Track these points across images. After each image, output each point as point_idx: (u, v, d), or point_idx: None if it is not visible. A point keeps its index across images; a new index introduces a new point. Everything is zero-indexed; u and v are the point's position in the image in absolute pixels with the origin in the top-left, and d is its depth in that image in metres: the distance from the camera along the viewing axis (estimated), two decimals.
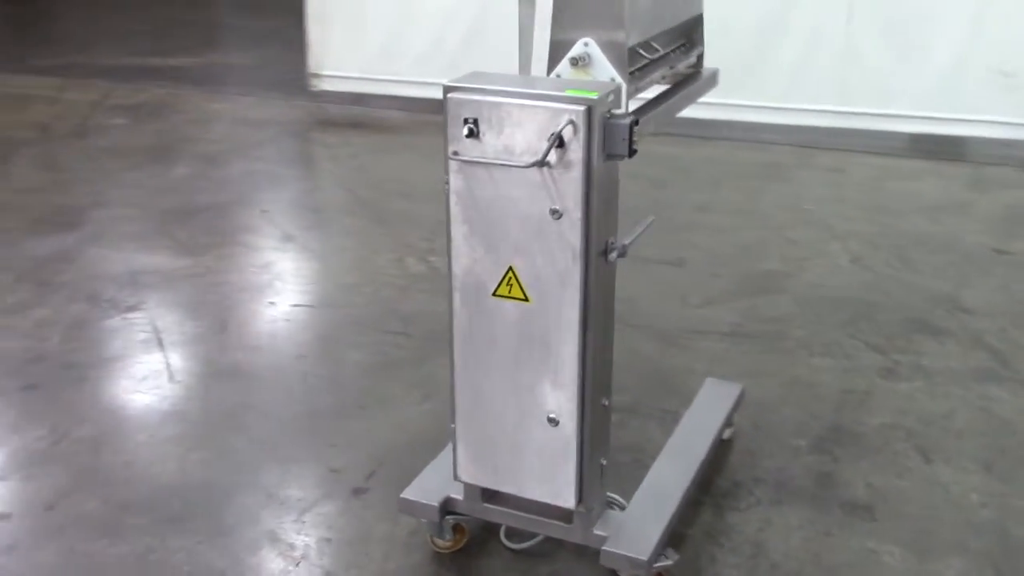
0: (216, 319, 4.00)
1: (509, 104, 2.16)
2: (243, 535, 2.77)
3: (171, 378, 3.57)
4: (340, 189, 5.74)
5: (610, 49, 2.40)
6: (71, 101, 7.30)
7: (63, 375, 3.58)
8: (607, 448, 2.51)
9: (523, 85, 2.20)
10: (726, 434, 3.14)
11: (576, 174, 2.15)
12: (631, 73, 2.45)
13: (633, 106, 2.38)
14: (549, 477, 2.43)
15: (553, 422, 2.37)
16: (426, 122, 6.27)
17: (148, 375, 3.59)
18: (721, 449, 3.10)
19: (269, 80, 7.88)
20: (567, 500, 2.43)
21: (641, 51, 2.51)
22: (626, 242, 2.32)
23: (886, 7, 6.10)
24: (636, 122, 2.18)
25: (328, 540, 2.77)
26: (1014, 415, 3.33)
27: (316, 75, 7.30)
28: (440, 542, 2.70)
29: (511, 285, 2.31)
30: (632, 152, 2.18)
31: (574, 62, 2.44)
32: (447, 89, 2.23)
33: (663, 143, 5.66)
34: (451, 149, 2.23)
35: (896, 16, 6.08)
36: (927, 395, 3.45)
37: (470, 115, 2.20)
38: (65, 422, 3.30)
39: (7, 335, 3.87)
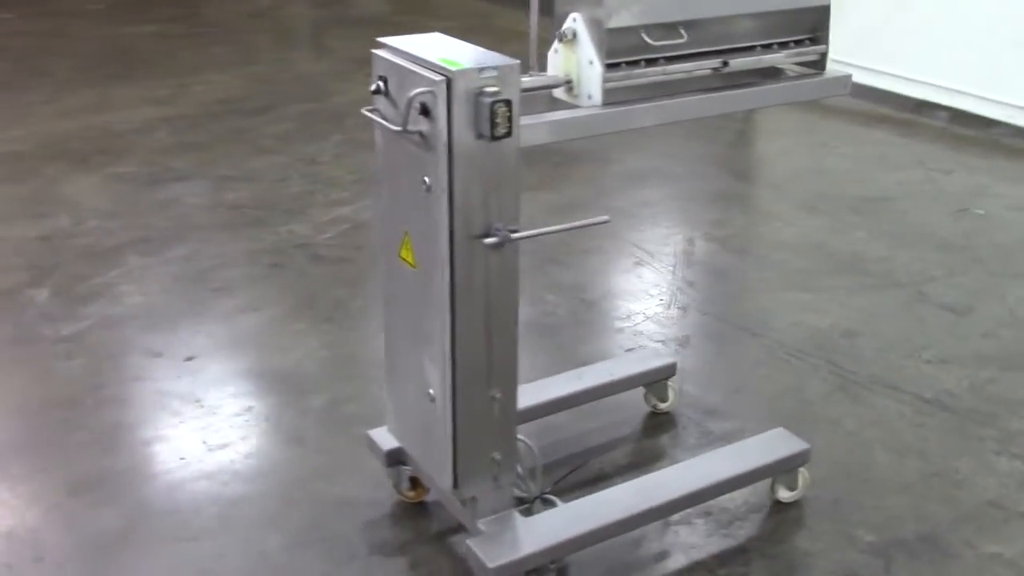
0: None
1: (402, 66, 2.13)
2: None
3: None
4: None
5: (593, 27, 2.23)
6: None
7: None
8: (505, 443, 2.37)
9: (430, 51, 2.14)
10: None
11: (441, 148, 2.06)
12: (632, 60, 2.26)
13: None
14: (433, 454, 2.39)
15: (431, 398, 2.32)
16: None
17: None
18: None
19: None
20: (445, 481, 2.37)
21: (646, 37, 2.27)
22: (517, 231, 2.16)
23: None
24: (506, 103, 2.02)
25: None
26: None
27: None
28: (403, 490, 2.76)
29: (406, 249, 2.29)
30: (497, 135, 2.03)
31: (560, 36, 2.31)
32: (378, 45, 2.25)
33: None
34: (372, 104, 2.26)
35: None
36: None
37: (382, 72, 2.20)
38: None
39: None
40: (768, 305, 3.91)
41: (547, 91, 2.37)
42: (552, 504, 2.59)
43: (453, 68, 2.01)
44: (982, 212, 4.74)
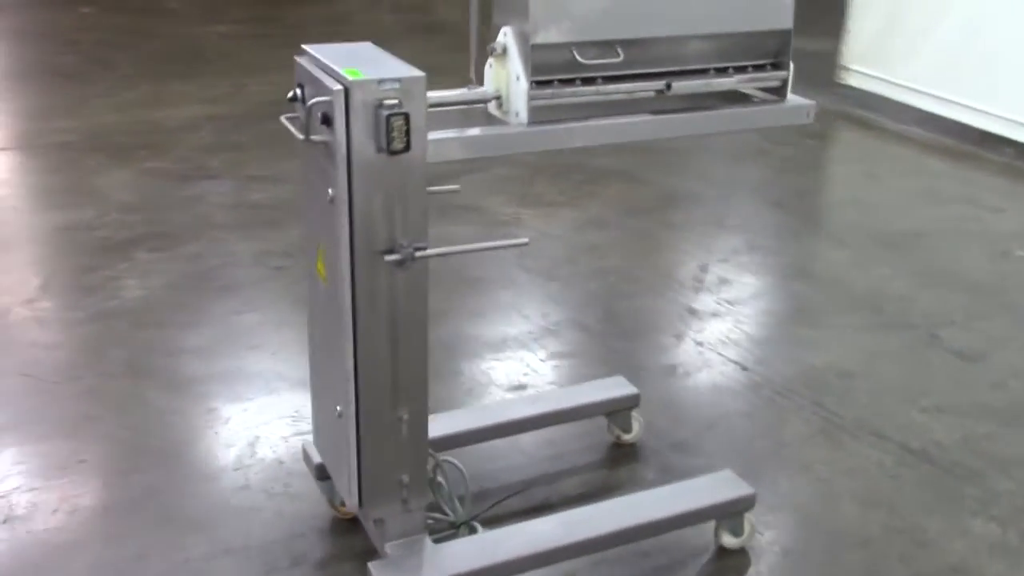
0: None
1: (313, 74, 2.09)
2: None
3: None
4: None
5: (520, 42, 2.16)
6: None
7: None
8: (413, 465, 2.30)
9: (343, 61, 2.08)
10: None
11: (340, 159, 2.01)
12: (565, 78, 2.18)
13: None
14: (341, 471, 2.33)
15: (339, 415, 2.27)
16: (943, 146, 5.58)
17: None
18: None
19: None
20: (351, 500, 2.31)
21: (577, 55, 2.18)
22: (424, 248, 2.09)
23: None
24: (404, 116, 1.95)
25: None
26: None
27: (845, 68, 6.89)
28: (335, 504, 2.71)
29: (320, 262, 2.24)
30: (394, 149, 1.97)
31: (491, 51, 2.24)
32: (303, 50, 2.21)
33: None
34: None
35: None
36: None
37: (300, 80, 2.17)
38: None
39: None
40: (766, 339, 3.75)
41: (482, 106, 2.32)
42: (474, 531, 2.51)
43: (351, 78, 1.96)
44: None
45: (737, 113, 2.39)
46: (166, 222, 4.57)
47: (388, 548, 2.34)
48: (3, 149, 5.64)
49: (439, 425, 2.82)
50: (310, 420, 2.61)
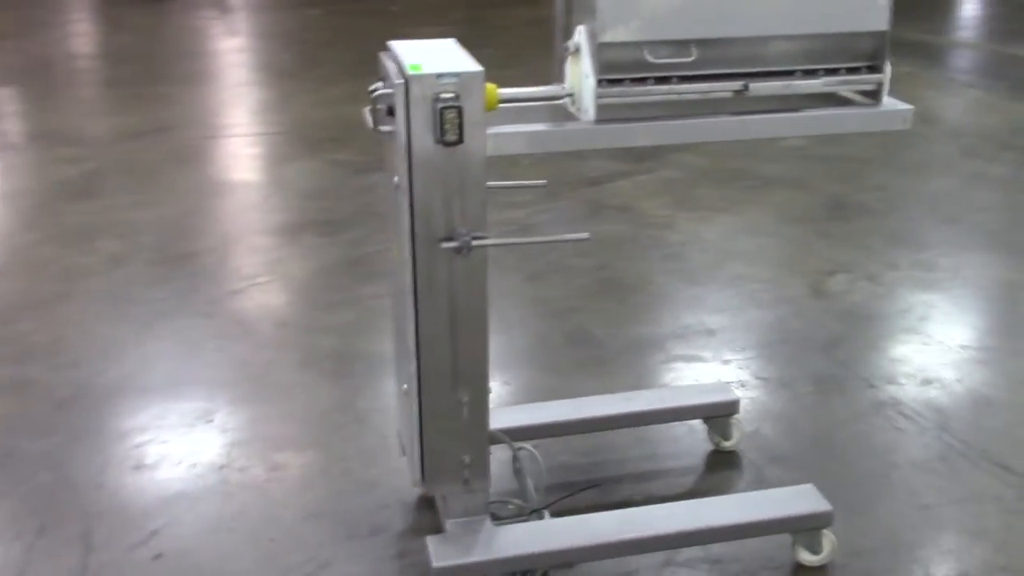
0: None
1: (388, 69, 2.20)
2: None
3: None
4: None
5: (591, 40, 2.21)
6: None
7: None
8: (475, 447, 2.38)
9: (415, 57, 2.18)
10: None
11: (401, 149, 2.12)
12: (638, 77, 2.21)
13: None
14: (410, 447, 2.44)
15: (404, 392, 2.38)
16: None
17: None
18: None
19: None
20: (414, 475, 2.42)
21: (648, 54, 2.20)
22: (484, 238, 2.17)
23: None
24: (457, 110, 2.04)
25: None
26: None
27: None
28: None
29: (396, 246, 2.36)
30: (447, 140, 2.06)
31: (566, 50, 2.29)
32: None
33: None
34: None
35: None
36: None
37: (382, 74, 2.29)
38: None
39: None
40: (897, 355, 3.57)
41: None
42: (540, 518, 2.57)
43: (412, 72, 2.07)
44: None
45: (821, 116, 2.33)
46: (336, 209, 4.85)
47: (448, 525, 2.44)
48: (208, 137, 6.15)
49: (529, 414, 2.91)
50: None
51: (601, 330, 3.74)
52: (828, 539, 2.54)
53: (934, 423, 3.15)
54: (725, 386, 2.99)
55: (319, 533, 2.69)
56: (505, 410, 2.96)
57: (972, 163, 5.51)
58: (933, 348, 3.60)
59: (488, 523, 2.45)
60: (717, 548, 2.60)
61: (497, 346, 3.46)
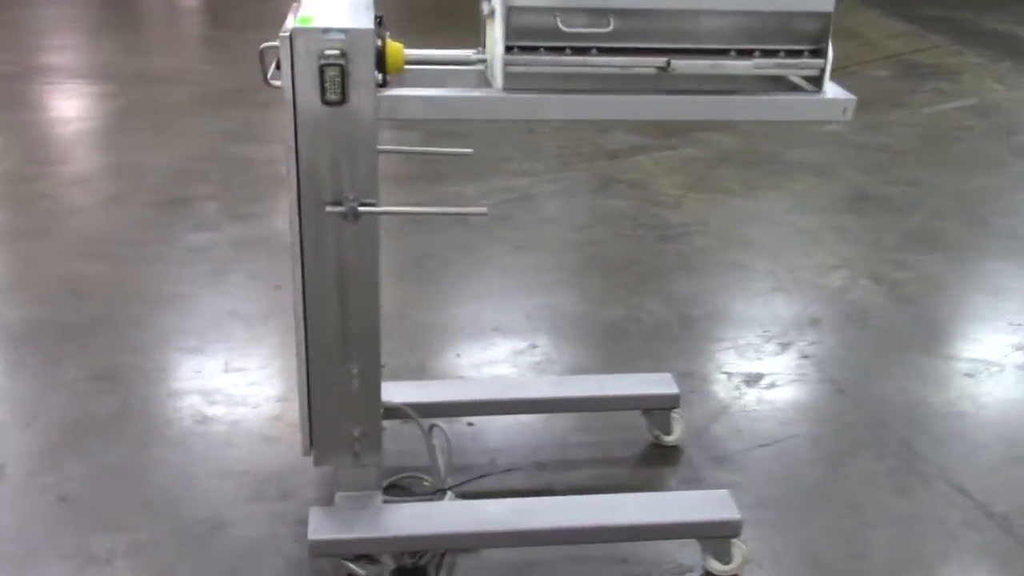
0: None
1: (288, 20, 2.10)
2: None
3: None
4: None
5: (503, 5, 2.08)
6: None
7: None
8: (366, 420, 2.29)
9: (314, 10, 2.07)
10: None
11: (288, 107, 2.03)
12: (554, 46, 2.07)
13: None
14: (300, 413, 2.37)
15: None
16: None
17: None
18: None
19: None
20: (304, 442, 2.35)
21: (560, 21, 2.06)
22: (369, 205, 2.07)
23: None
24: (339, 68, 1.94)
25: None
26: None
27: None
28: None
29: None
30: (327, 100, 1.96)
31: (484, 13, 2.17)
32: None
33: None
34: None
35: None
36: None
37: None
38: None
39: None
40: (874, 364, 3.37)
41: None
42: (441, 498, 2.48)
43: (298, 26, 1.97)
44: None
45: (751, 101, 2.16)
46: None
47: (337, 498, 2.37)
48: None
49: (465, 390, 2.82)
50: None
51: (574, 308, 3.62)
52: (739, 549, 2.41)
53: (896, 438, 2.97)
54: (668, 379, 2.85)
55: None
56: (437, 384, 2.88)
57: (1021, 163, 5.19)
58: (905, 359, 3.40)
59: (378, 499, 2.37)
60: (626, 547, 2.49)
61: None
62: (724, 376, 3.23)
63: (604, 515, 2.36)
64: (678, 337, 3.46)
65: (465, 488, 2.60)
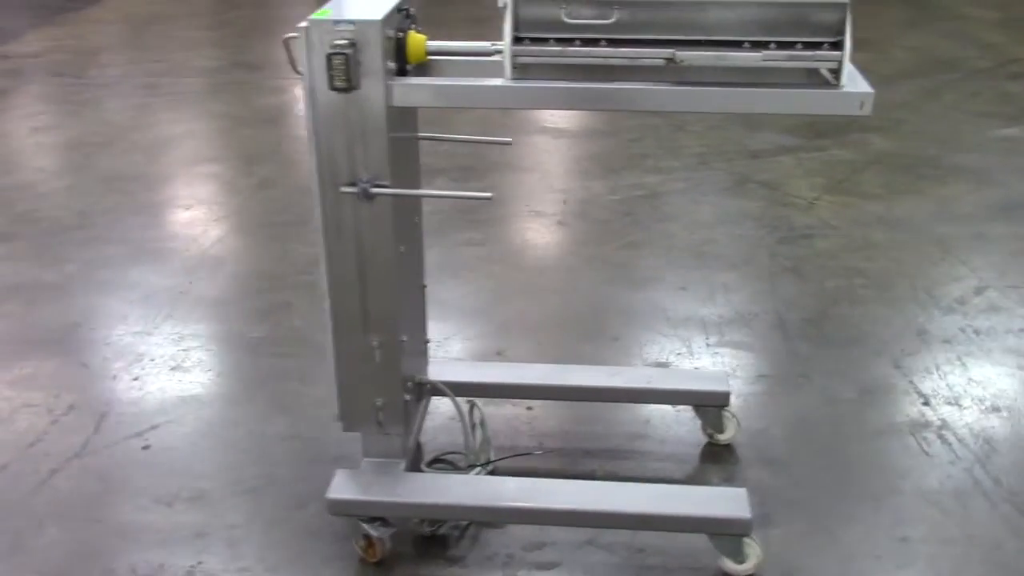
0: None
1: None
2: None
3: None
4: None
5: None
6: None
7: None
8: (388, 391, 2.42)
9: (336, 3, 2.22)
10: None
11: (307, 93, 2.19)
12: (564, 38, 2.15)
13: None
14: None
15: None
16: None
17: None
18: None
19: None
20: (336, 410, 2.50)
21: (564, 13, 2.12)
22: (385, 187, 2.20)
23: None
24: (344, 56, 2.07)
25: None
26: None
27: None
28: None
29: None
30: (335, 87, 2.10)
31: (501, 5, 2.26)
32: None
33: None
34: None
35: None
36: None
37: None
38: None
39: None
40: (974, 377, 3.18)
41: None
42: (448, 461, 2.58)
43: (314, 18, 2.12)
44: None
45: (762, 94, 2.12)
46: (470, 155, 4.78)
47: (364, 463, 2.52)
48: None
49: (515, 373, 2.91)
50: None
51: (675, 306, 3.62)
52: (753, 550, 2.37)
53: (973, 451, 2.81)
54: (721, 376, 2.82)
55: None
56: (496, 365, 2.98)
57: None
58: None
59: (401, 467, 2.50)
60: (644, 537, 2.50)
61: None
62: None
63: (614, 501, 2.38)
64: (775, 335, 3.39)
65: (501, 466, 2.70)
